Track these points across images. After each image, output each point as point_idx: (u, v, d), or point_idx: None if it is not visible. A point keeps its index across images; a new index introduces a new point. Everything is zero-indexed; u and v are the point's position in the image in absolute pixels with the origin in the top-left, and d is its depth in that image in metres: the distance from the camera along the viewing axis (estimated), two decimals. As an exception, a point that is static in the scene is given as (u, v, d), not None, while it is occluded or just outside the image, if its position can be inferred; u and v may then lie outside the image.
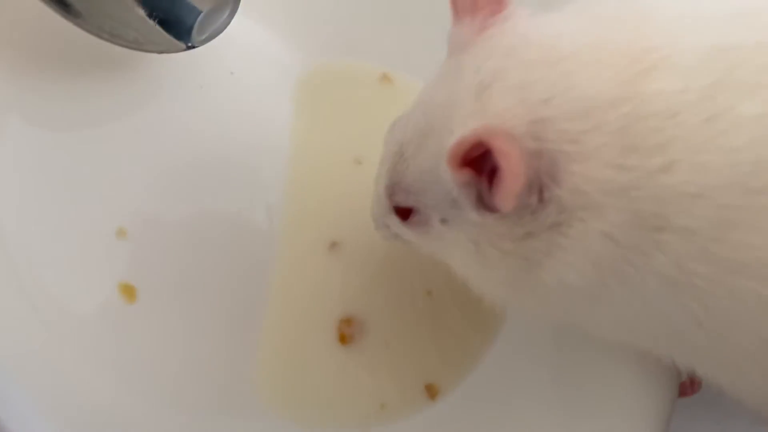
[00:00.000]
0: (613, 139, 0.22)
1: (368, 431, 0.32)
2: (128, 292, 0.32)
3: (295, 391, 0.34)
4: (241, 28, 0.36)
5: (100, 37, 0.32)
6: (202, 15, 0.33)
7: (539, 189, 0.23)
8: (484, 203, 0.23)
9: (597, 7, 0.24)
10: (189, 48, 0.33)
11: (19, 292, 0.29)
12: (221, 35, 0.35)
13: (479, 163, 0.22)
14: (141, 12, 0.32)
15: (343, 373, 0.34)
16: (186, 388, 0.31)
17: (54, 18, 0.32)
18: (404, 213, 0.28)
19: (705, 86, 0.22)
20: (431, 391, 0.33)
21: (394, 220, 0.28)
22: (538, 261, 0.24)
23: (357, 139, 0.39)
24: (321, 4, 0.40)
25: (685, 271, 0.22)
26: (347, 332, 0.34)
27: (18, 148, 0.33)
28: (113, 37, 0.32)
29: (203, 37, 0.34)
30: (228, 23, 0.34)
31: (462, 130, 0.22)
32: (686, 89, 0.22)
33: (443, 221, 0.26)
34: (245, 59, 0.39)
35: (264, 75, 0.39)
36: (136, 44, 0.32)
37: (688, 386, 0.31)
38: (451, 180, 0.23)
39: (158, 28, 0.32)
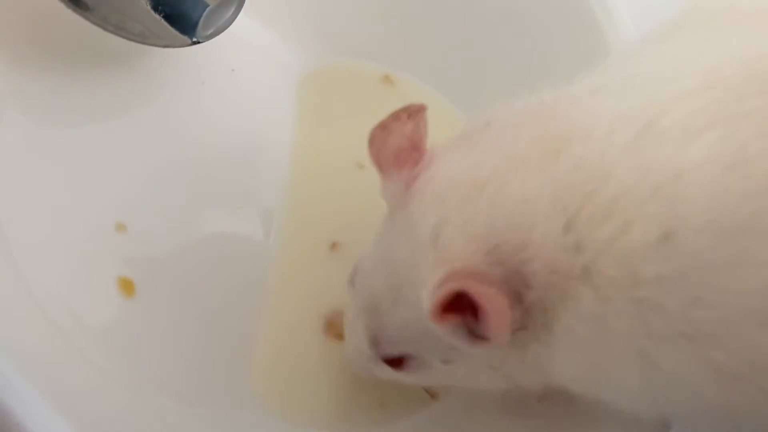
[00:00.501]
0: (554, 227, 0.23)
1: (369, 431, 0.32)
2: (127, 286, 0.32)
3: (293, 391, 0.33)
4: (244, 26, 0.36)
5: (105, 30, 0.32)
6: (207, 10, 0.33)
7: (520, 302, 0.23)
8: (477, 335, 0.24)
9: (500, 122, 0.26)
10: (194, 43, 0.33)
11: (18, 285, 0.29)
12: (224, 33, 0.35)
13: (458, 304, 0.23)
14: (147, 5, 0.32)
15: (342, 372, 0.33)
16: (182, 384, 0.31)
17: (55, 11, 0.32)
18: (396, 362, 0.28)
19: (624, 144, 0.22)
20: (431, 390, 0.33)
21: (384, 368, 0.29)
22: (543, 364, 0.25)
23: (359, 141, 0.39)
24: (324, 5, 0.40)
25: (693, 322, 0.22)
26: (347, 332, 0.34)
27: (16, 142, 0.32)
28: (118, 29, 0.32)
29: (208, 32, 0.33)
30: (233, 19, 0.34)
31: (432, 281, 0.23)
32: (605, 153, 0.22)
33: (445, 362, 0.27)
34: (247, 58, 0.39)
35: (266, 74, 0.39)
36: (141, 38, 0.32)
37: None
38: (438, 329, 0.24)
39: (164, 22, 0.32)
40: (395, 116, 0.27)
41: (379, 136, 0.27)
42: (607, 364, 0.23)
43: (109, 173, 0.33)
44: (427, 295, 0.23)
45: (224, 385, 0.32)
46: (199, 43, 0.33)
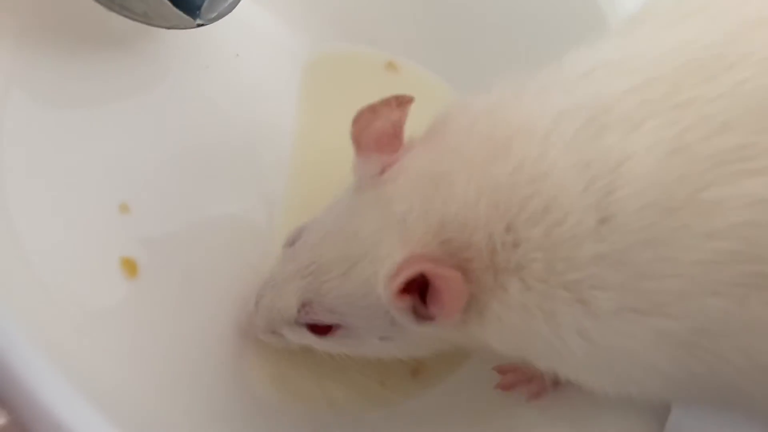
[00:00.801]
0: (496, 228, 0.24)
1: (371, 412, 0.32)
2: (130, 266, 0.32)
3: (294, 372, 0.33)
4: (248, 10, 0.36)
5: (111, 9, 0.32)
6: (212, -8, 0.33)
7: None
8: (422, 315, 0.26)
9: (458, 124, 0.27)
10: (198, 26, 0.33)
11: (22, 262, 0.29)
12: (229, 16, 0.35)
13: (412, 285, 0.25)
14: (151, -15, 0.32)
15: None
16: (182, 364, 0.31)
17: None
18: (322, 329, 0.29)
19: (565, 141, 0.24)
20: (417, 374, 0.34)
21: (300, 333, 0.30)
22: (480, 342, 0.27)
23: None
24: (328, -9, 0.40)
25: (640, 294, 0.23)
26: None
27: (21, 123, 0.32)
28: (123, 9, 0.32)
29: (213, 15, 0.33)
30: (238, 2, 0.34)
31: (393, 261, 0.25)
32: (545, 152, 0.24)
33: (382, 338, 0.29)
34: (252, 42, 0.39)
35: (270, 59, 0.39)
36: (146, 18, 0.32)
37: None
38: (387, 304, 0.26)
39: (168, 2, 0.32)
40: (386, 102, 0.28)
41: (366, 116, 0.28)
42: (538, 346, 0.25)
43: (114, 155, 0.33)
44: (388, 273, 0.25)
45: (224, 366, 0.32)
46: (203, 25, 0.33)
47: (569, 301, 0.23)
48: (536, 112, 0.25)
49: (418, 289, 0.25)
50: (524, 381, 0.30)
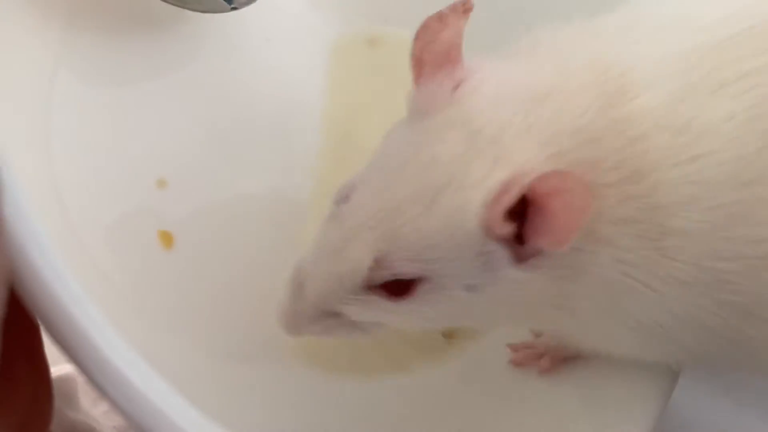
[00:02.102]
0: (609, 168, 0.23)
1: (394, 377, 0.33)
2: (166, 239, 0.34)
3: (324, 342, 0.35)
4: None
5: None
6: (245, -23, 0.35)
7: None
8: (520, 252, 0.24)
9: (552, 46, 0.26)
10: (232, 9, 0.35)
11: (69, 232, 0.31)
12: (259, 1, 0.36)
13: (512, 214, 0.22)
14: (187, -30, 0.34)
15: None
16: (213, 331, 0.33)
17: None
18: (403, 287, 0.25)
19: (670, 95, 0.23)
20: (447, 332, 0.34)
21: (368, 303, 0.25)
22: (571, 303, 0.25)
23: (392, 110, 0.40)
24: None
25: (706, 270, 0.23)
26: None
27: (68, 100, 0.34)
28: (160, -7, 0.34)
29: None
30: (269, -14, 0.35)
31: (493, 182, 0.22)
32: (652, 105, 0.23)
33: (470, 288, 0.24)
34: (281, 25, 0.40)
35: (299, 41, 0.40)
36: (181, 2, 0.34)
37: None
38: (482, 238, 0.23)
39: (203, -13, 0.33)
40: (453, 7, 0.25)
41: (433, 27, 0.25)
42: (626, 309, 0.24)
43: (152, 132, 0.35)
44: (487, 197, 0.22)
45: (255, 334, 0.34)
46: (236, 9, 0.35)
47: (658, 267, 0.23)
48: (641, 53, 0.24)
49: (517, 218, 0.23)
50: (535, 357, 0.31)
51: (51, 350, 0.21)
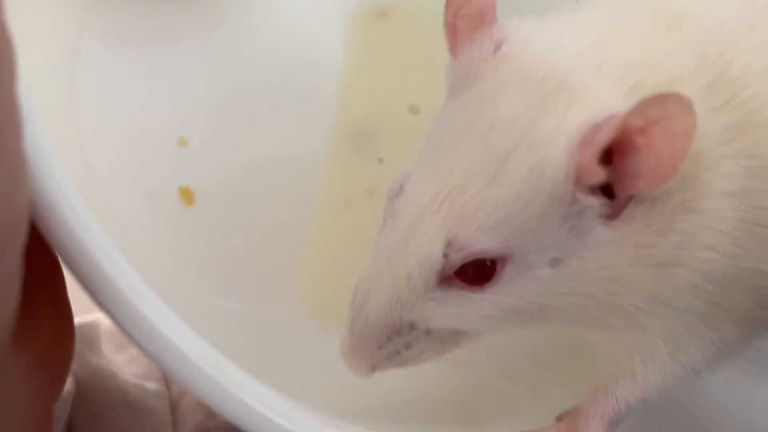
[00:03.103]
0: (698, 85, 0.22)
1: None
2: (187, 195, 0.35)
3: (337, 301, 0.36)
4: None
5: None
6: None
7: None
8: (611, 211, 0.21)
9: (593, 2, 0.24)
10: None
11: (94, 188, 0.32)
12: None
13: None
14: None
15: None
16: (230, 284, 0.34)
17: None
18: (482, 272, 0.22)
19: (733, 28, 0.23)
20: None
21: (446, 300, 0.22)
22: (676, 260, 0.22)
23: (413, 85, 0.40)
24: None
25: None
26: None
27: (93, 62, 0.35)
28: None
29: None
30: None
31: (574, 127, 0.20)
32: (719, 21, 0.23)
33: (555, 262, 0.22)
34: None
35: (320, 8, 0.41)
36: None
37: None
38: (568, 197, 0.21)
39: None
40: None
41: None
42: (744, 258, 0.22)
43: (173, 93, 0.36)
44: (572, 142, 0.20)
45: (272, 291, 0.35)
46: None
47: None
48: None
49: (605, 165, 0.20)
50: None
51: (75, 300, 0.22)
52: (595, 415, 0.25)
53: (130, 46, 0.37)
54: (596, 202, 0.21)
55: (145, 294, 0.20)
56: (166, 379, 0.32)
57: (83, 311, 0.28)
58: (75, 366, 0.30)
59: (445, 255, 0.21)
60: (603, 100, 0.21)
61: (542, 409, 0.27)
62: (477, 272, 0.21)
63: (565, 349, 0.29)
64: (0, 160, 0.16)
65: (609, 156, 0.20)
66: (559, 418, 0.26)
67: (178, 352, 0.20)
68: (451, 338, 0.23)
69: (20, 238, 0.18)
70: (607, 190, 0.21)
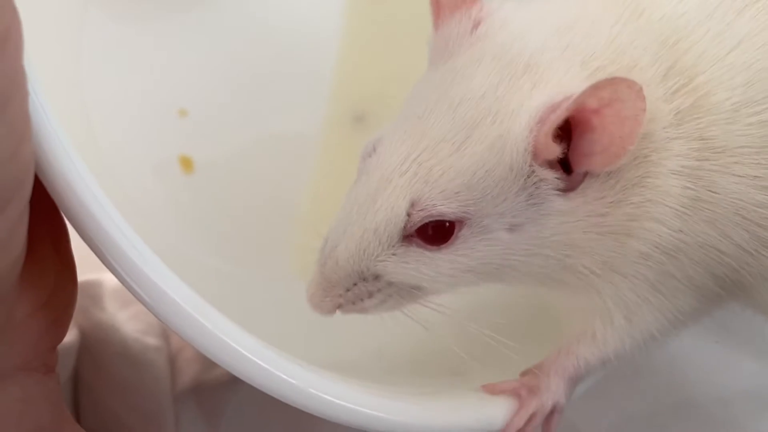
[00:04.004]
0: (653, 73, 0.23)
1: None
2: (186, 164, 0.37)
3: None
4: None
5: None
6: None
7: None
8: (566, 184, 0.23)
9: None
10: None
11: (98, 154, 0.35)
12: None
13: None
14: None
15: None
16: (230, 247, 0.36)
17: None
18: (440, 233, 0.23)
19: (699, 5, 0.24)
20: None
21: (407, 257, 0.24)
22: (626, 230, 0.23)
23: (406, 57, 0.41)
24: None
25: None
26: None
27: (97, 36, 0.37)
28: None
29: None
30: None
31: (536, 105, 0.22)
32: (679, 11, 0.24)
33: (513, 228, 0.23)
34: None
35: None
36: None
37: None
38: (526, 168, 0.22)
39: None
40: None
41: None
42: (690, 231, 0.24)
43: (174, 65, 0.38)
44: (532, 120, 0.22)
45: (264, 258, 0.37)
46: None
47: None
48: None
49: (561, 142, 0.22)
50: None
51: (85, 259, 0.24)
52: (556, 372, 0.27)
53: (134, 20, 0.39)
54: (552, 175, 0.23)
55: (136, 242, 0.22)
56: (166, 335, 0.34)
57: (91, 270, 0.30)
58: (80, 319, 0.33)
59: (408, 214, 0.23)
60: (564, 82, 0.23)
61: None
62: (436, 232, 0.23)
63: (534, 310, 0.31)
64: (6, 120, 0.18)
65: (569, 134, 0.22)
66: (524, 374, 0.28)
67: (169, 298, 0.22)
68: (409, 293, 0.24)
69: (26, 190, 0.20)
70: (565, 165, 0.23)
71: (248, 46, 0.40)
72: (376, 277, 0.24)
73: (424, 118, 0.23)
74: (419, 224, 0.23)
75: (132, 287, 0.22)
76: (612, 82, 0.21)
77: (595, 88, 0.21)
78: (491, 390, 0.27)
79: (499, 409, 0.27)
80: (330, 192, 0.39)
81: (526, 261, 0.24)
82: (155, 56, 0.38)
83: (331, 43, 0.42)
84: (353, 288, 0.24)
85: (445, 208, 0.23)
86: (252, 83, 0.40)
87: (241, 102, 0.39)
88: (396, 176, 0.23)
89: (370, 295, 0.24)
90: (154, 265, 0.22)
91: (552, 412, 0.27)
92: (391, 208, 0.23)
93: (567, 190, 0.23)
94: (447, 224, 0.23)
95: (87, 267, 0.24)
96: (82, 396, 0.33)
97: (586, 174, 0.23)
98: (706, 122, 0.23)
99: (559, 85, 0.22)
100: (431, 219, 0.23)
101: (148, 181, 0.36)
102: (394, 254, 0.24)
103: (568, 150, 0.22)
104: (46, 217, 0.22)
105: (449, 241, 0.23)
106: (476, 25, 0.25)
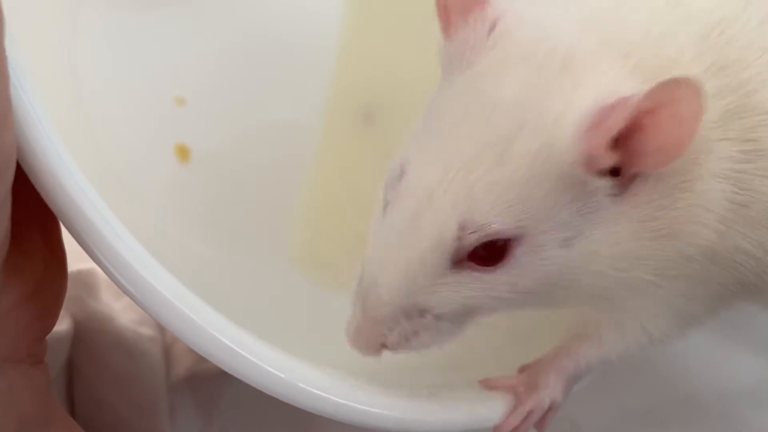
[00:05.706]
0: (699, 70, 0.21)
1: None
2: (183, 153, 0.37)
3: (326, 256, 0.37)
4: None
5: None
6: None
7: None
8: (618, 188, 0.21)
9: None
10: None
11: (93, 142, 0.34)
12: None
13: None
14: None
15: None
16: (226, 238, 0.36)
17: None
18: (494, 253, 0.21)
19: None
20: None
21: (457, 283, 0.22)
22: (676, 234, 0.22)
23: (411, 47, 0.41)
24: None
25: None
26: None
27: (94, 23, 0.37)
28: None
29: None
30: None
31: (584, 108, 0.20)
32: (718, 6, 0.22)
33: (566, 242, 0.21)
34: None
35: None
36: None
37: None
38: (577, 178, 0.21)
39: None
40: None
41: None
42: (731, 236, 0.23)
43: (171, 53, 0.38)
44: (580, 126, 0.20)
45: (263, 246, 0.37)
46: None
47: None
48: None
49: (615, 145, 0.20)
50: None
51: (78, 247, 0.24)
52: (555, 370, 0.26)
53: (132, 7, 0.38)
54: (605, 183, 0.21)
55: (122, 232, 0.21)
56: (160, 326, 0.34)
57: (85, 259, 0.30)
58: (74, 309, 0.32)
59: (459, 238, 0.21)
60: (608, 80, 0.21)
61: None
62: (489, 253, 0.21)
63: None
64: None
65: (622, 136, 0.20)
66: (522, 370, 0.27)
67: (156, 291, 0.22)
68: (461, 319, 0.23)
69: (7, 176, 0.19)
70: (613, 168, 0.21)
71: (247, 34, 0.40)
72: (422, 313, 0.22)
73: (454, 133, 0.21)
74: (473, 247, 0.21)
75: (118, 280, 0.21)
76: (672, 82, 0.19)
77: (653, 92, 0.19)
78: (488, 385, 0.27)
79: (496, 406, 0.26)
80: (329, 183, 0.39)
81: (578, 279, 0.22)
82: (153, 44, 0.37)
83: (333, 31, 0.41)
84: (396, 328, 0.22)
85: (499, 226, 0.21)
86: (251, 72, 0.39)
87: (240, 91, 0.39)
88: (436, 198, 0.21)
89: (416, 334, 0.22)
90: (140, 256, 0.22)
91: (547, 409, 0.26)
92: (439, 234, 0.21)
93: (617, 194, 0.21)
94: (500, 242, 0.21)
95: (81, 256, 0.24)
96: (76, 386, 0.33)
97: (635, 176, 0.21)
98: (753, 123, 0.22)
99: (604, 84, 0.21)
100: (486, 239, 0.21)
101: (144, 171, 0.35)
102: (444, 284, 0.22)
103: (617, 154, 0.21)
104: (34, 206, 0.22)
105: (504, 261, 0.21)
106: (493, 26, 0.22)
